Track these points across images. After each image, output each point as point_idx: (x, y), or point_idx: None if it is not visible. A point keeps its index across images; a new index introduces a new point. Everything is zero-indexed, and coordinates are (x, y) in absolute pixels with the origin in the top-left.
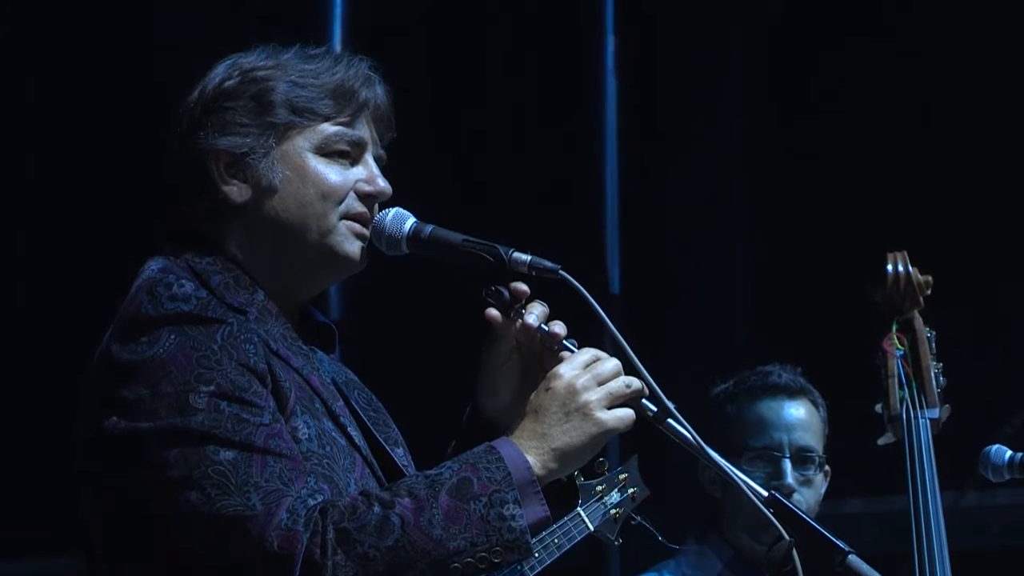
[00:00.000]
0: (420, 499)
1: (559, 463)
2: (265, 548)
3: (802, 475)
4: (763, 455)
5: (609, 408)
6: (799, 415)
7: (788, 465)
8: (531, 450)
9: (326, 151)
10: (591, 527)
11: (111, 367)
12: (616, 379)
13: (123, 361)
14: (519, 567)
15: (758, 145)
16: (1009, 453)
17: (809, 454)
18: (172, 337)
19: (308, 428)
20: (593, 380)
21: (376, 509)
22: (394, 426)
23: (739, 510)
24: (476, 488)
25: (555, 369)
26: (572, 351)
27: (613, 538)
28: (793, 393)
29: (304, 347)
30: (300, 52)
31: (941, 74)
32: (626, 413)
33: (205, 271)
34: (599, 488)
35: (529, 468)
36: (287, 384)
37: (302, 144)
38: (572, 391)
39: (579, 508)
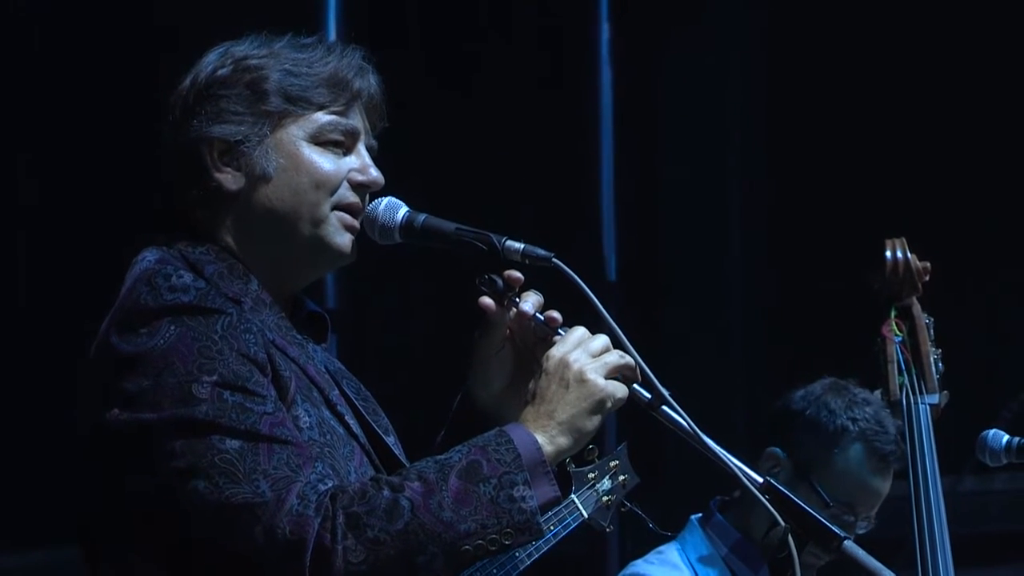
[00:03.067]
0: (430, 482)
1: (567, 436)
2: (276, 535)
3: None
4: (840, 515)
5: (605, 378)
6: (886, 490)
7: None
8: (538, 430)
9: (320, 140)
10: (585, 514)
11: (111, 359)
12: (609, 352)
13: (124, 353)
14: (515, 554)
15: (754, 136)
16: (1006, 438)
17: (866, 521)
18: (172, 328)
19: (309, 417)
20: (585, 353)
21: (386, 493)
22: (383, 415)
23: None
24: (486, 470)
25: (547, 353)
26: None
27: (605, 525)
28: (897, 466)
29: (298, 337)
30: (293, 41)
31: (943, 59)
32: (622, 386)
33: (199, 261)
34: (591, 475)
35: (539, 448)
36: (287, 374)
37: (296, 133)
38: (565, 364)
39: (573, 495)
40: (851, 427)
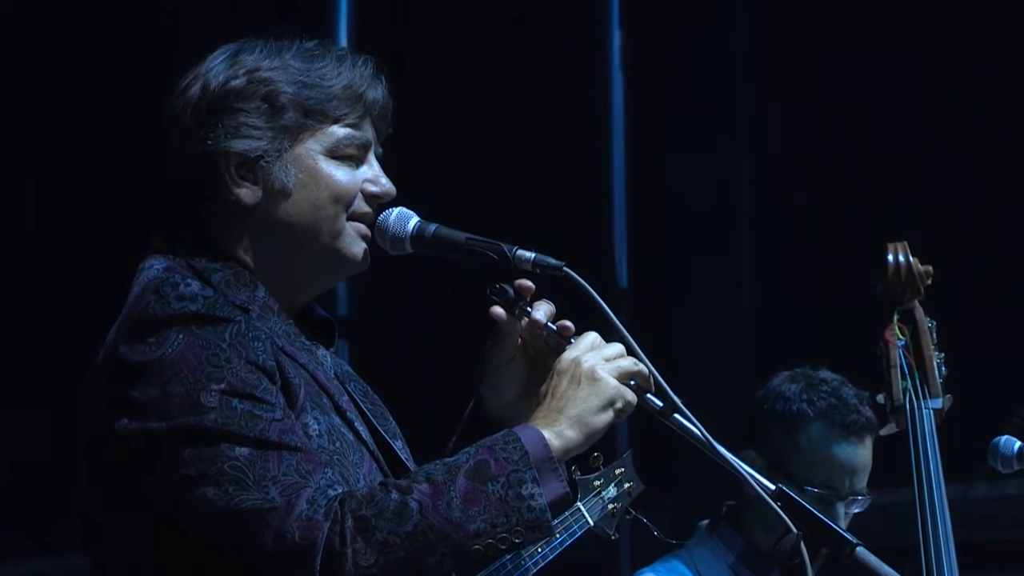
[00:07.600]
0: (437, 483)
1: (575, 431)
2: (286, 540)
3: (847, 513)
4: (821, 497)
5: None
6: (866, 459)
7: (841, 509)
8: (546, 426)
9: (336, 154)
10: (591, 521)
11: (119, 368)
12: (623, 357)
13: (132, 362)
14: (522, 562)
15: (765, 142)
16: (1018, 444)
17: (860, 497)
18: (180, 337)
19: (318, 424)
20: (597, 355)
21: (394, 496)
22: (391, 419)
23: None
24: (493, 469)
25: (559, 357)
26: None
27: (611, 532)
28: (868, 434)
29: (307, 343)
30: (301, 49)
31: (945, 64)
32: (632, 392)
33: (206, 269)
34: (596, 483)
35: (546, 444)
36: (296, 381)
37: (313, 147)
38: (577, 363)
39: (578, 503)
40: (808, 409)
